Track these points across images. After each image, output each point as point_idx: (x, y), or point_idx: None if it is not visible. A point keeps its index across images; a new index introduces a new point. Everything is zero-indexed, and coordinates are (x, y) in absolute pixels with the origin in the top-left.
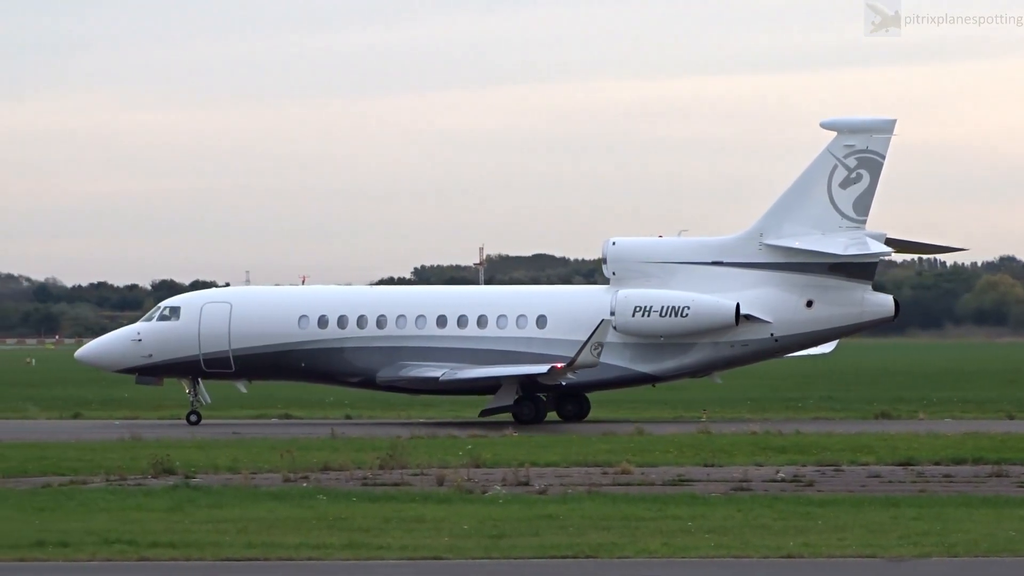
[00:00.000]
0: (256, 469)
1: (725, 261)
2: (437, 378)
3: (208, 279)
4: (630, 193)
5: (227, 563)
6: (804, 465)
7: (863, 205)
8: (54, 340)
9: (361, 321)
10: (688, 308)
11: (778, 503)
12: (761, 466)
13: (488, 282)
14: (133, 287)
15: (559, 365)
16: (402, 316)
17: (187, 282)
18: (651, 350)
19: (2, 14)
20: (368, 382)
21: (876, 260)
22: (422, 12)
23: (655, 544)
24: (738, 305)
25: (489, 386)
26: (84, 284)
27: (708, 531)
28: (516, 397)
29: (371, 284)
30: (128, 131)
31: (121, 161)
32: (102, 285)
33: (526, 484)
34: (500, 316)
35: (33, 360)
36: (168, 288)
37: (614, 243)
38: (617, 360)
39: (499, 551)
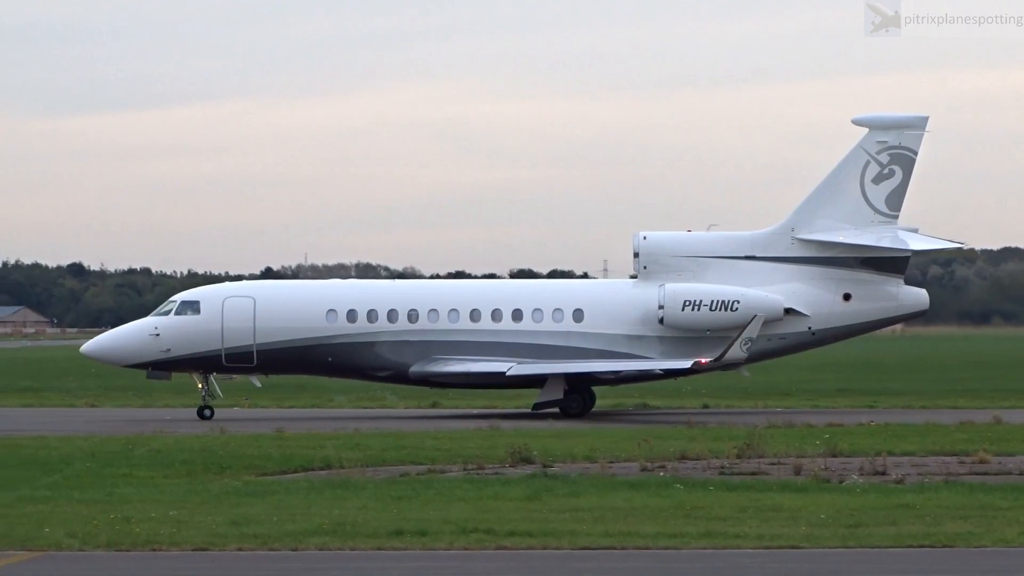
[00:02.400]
0: (613, 458)
1: (758, 255)
2: (503, 373)
3: (565, 268)
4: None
5: (584, 552)
6: None
7: (896, 200)
8: None
9: (392, 315)
10: (738, 302)
11: None
12: None
13: None
14: (491, 276)
15: (703, 360)
16: (434, 310)
17: (544, 271)
18: (688, 343)
19: (360, 5)
20: (398, 376)
21: (909, 255)
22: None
23: (1012, 533)
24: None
25: (531, 381)
26: (442, 273)
27: None
28: (564, 390)
29: None
30: (487, 120)
31: (480, 150)
32: (460, 274)
33: (883, 473)
34: (535, 310)
35: None
36: (528, 276)
37: (645, 237)
38: (652, 354)
39: (855, 540)
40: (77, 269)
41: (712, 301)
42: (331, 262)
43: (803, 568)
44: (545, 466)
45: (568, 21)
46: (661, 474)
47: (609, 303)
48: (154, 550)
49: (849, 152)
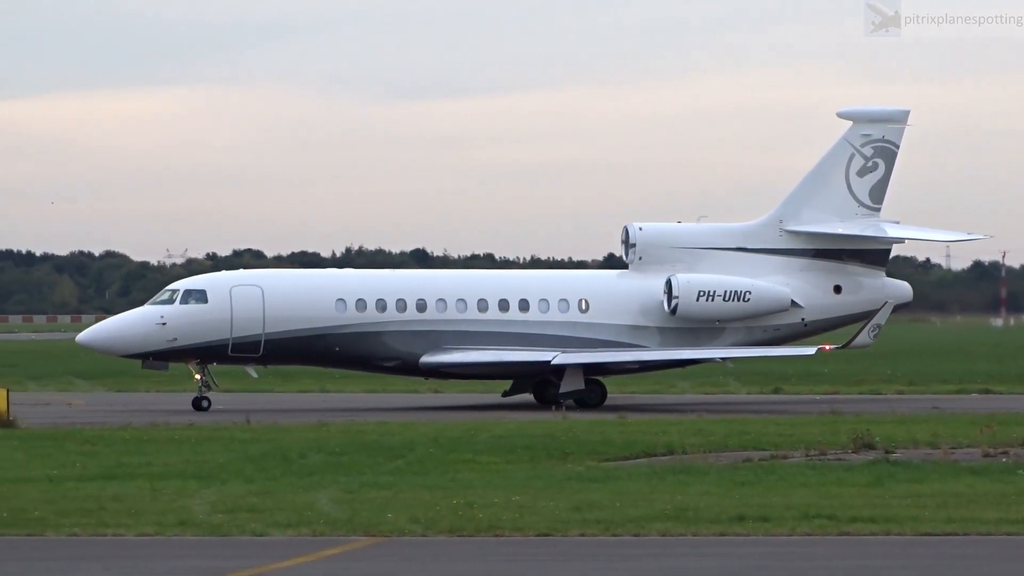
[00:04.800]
0: (956, 444)
1: (748, 247)
2: (549, 362)
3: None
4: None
5: (926, 538)
6: None
7: (879, 193)
8: None
9: (400, 305)
10: (750, 293)
11: None
12: None
13: None
14: None
15: (827, 346)
16: (441, 300)
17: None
18: (687, 334)
19: None
20: (406, 366)
21: (890, 246)
22: None
23: None
24: None
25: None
26: None
27: None
28: (584, 380)
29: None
30: (817, 107)
31: (807, 137)
32: None
33: None
34: (541, 300)
35: None
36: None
37: (640, 228)
38: (651, 344)
39: None
40: (421, 255)
41: (725, 292)
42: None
43: None
44: (887, 452)
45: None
46: (1004, 460)
47: (613, 293)
48: (496, 535)
49: (834, 145)
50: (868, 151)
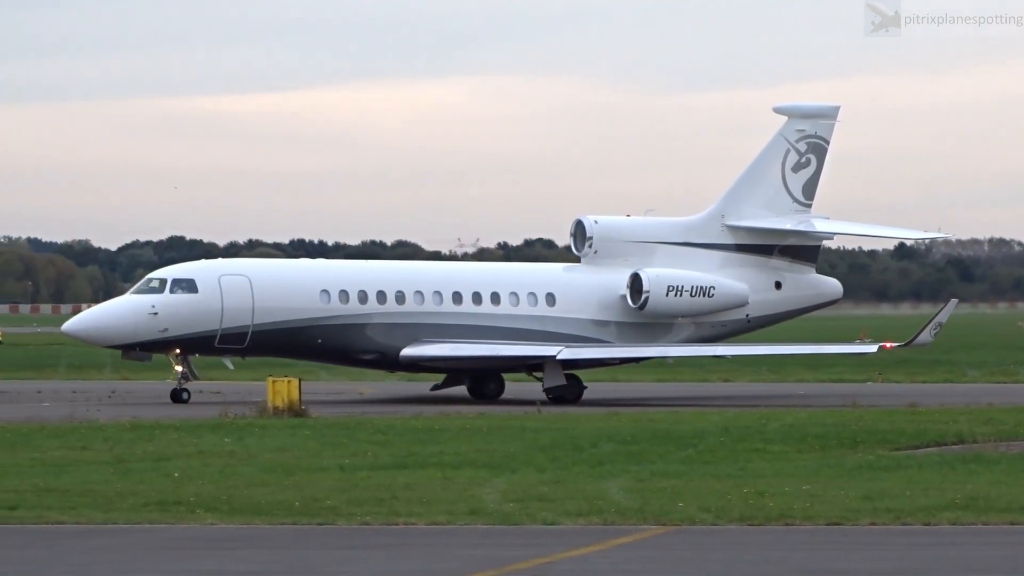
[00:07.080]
0: None
1: (693, 242)
2: (554, 356)
3: None
4: None
5: None
6: None
7: (811, 189)
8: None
9: (380, 297)
10: (714, 289)
11: None
12: None
13: None
14: None
15: (888, 344)
16: (419, 292)
17: None
18: (641, 330)
19: None
20: (385, 360)
21: (821, 242)
22: None
23: None
24: None
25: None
26: None
27: None
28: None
29: None
30: None
31: None
32: None
33: None
34: (511, 293)
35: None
36: None
37: (596, 221)
38: (611, 338)
39: None
40: None
41: (692, 287)
42: (964, 237)
43: None
44: None
45: None
46: None
47: (577, 288)
48: (787, 525)
49: (771, 140)
50: (802, 147)
